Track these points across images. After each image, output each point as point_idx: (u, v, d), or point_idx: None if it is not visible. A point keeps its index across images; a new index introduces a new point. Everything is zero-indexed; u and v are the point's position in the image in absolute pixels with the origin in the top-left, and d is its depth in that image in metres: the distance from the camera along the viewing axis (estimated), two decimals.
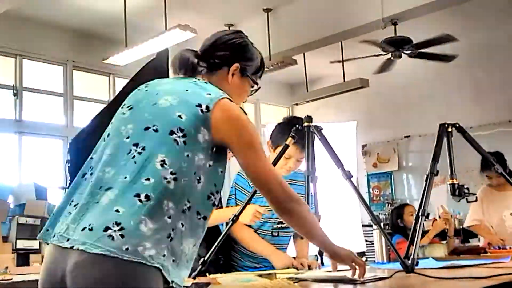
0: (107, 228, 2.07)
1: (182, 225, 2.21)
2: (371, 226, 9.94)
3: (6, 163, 10.01)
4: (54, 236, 2.23)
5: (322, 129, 3.90)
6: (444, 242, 6.01)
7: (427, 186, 3.64)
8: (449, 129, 3.80)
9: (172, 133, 2.28)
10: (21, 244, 7.36)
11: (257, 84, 2.80)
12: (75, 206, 2.26)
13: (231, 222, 3.65)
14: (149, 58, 4.51)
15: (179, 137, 2.27)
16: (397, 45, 9.89)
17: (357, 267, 2.82)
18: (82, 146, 4.35)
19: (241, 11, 10.28)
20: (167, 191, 2.19)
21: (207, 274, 3.33)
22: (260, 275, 3.20)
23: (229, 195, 4.32)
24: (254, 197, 3.78)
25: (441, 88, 12.41)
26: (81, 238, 2.08)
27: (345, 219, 7.34)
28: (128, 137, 2.35)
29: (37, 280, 2.28)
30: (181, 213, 2.21)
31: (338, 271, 3.51)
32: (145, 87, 2.58)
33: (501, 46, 11.63)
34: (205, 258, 3.46)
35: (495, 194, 6.85)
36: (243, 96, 2.78)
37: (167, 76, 4.36)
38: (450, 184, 3.84)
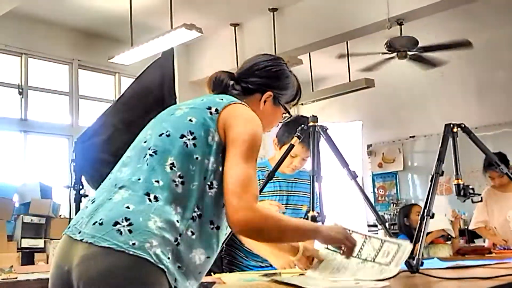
0: (116, 223, 2.10)
1: (192, 233, 2.22)
2: (376, 226, 9.98)
3: (11, 162, 10.03)
4: (69, 227, 2.27)
5: (327, 129, 3.90)
6: (449, 242, 6.01)
7: (432, 186, 3.64)
8: (454, 130, 3.79)
9: (182, 136, 2.31)
10: (26, 243, 7.38)
11: (289, 113, 2.81)
12: (92, 201, 2.31)
13: None
14: (154, 57, 4.49)
15: (189, 139, 2.29)
16: (402, 45, 9.88)
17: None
18: (88, 145, 4.36)
19: (247, 11, 10.29)
20: (175, 194, 2.21)
21: (211, 273, 3.34)
22: (265, 275, 3.20)
23: None
24: (261, 195, 3.78)
25: (446, 89, 12.40)
26: (91, 232, 2.12)
27: (350, 219, 7.34)
28: (145, 142, 2.41)
29: (42, 279, 2.31)
30: (190, 220, 2.22)
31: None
32: (176, 104, 2.63)
33: (506, 46, 11.61)
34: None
35: (498, 195, 6.85)
36: (274, 123, 2.80)
37: (173, 76, 4.37)
38: (455, 184, 3.84)
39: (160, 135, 2.37)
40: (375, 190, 13.87)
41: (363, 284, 2.72)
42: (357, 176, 3.67)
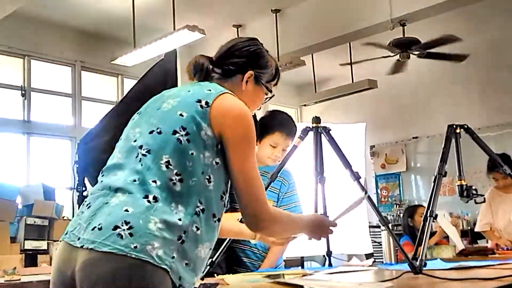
0: (116, 227, 2.08)
1: (197, 228, 2.22)
2: (379, 227, 9.96)
3: (14, 164, 10.03)
4: (66, 233, 2.26)
5: (330, 130, 3.90)
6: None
7: (435, 187, 3.64)
8: (457, 130, 3.79)
9: (175, 132, 2.29)
10: (29, 244, 7.38)
11: (271, 91, 2.83)
12: (87, 206, 2.28)
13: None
14: (157, 59, 4.50)
15: (182, 135, 2.27)
16: (405, 46, 9.88)
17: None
18: (90, 147, 4.36)
19: (250, 12, 10.30)
20: (174, 193, 2.21)
21: (215, 275, 3.33)
22: (268, 276, 3.19)
23: None
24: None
25: (449, 89, 12.41)
26: (90, 238, 2.10)
27: (353, 220, 7.33)
28: (135, 140, 2.37)
29: (45, 281, 2.31)
30: (193, 216, 2.22)
31: (344, 272, 3.53)
32: (159, 94, 2.60)
33: (509, 47, 11.61)
34: (213, 259, 3.46)
35: (502, 196, 6.85)
36: (258, 103, 2.79)
37: (175, 77, 4.37)
38: (458, 185, 3.84)
39: (151, 132, 2.34)
40: (378, 191, 13.88)
41: (366, 285, 2.71)
42: (360, 177, 3.66)
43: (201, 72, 2.64)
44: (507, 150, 6.65)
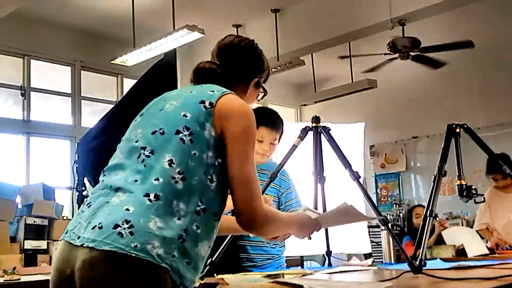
0: (116, 226, 2.09)
1: (197, 227, 2.22)
2: (378, 227, 9.98)
3: (14, 164, 10.03)
4: (67, 232, 2.27)
5: (330, 129, 3.91)
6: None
7: (435, 187, 3.64)
8: (457, 130, 3.80)
9: (178, 132, 2.31)
10: (29, 244, 7.36)
11: (266, 91, 2.86)
12: (88, 205, 2.30)
13: None
14: (157, 59, 4.51)
15: (185, 135, 2.30)
16: (405, 46, 9.89)
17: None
18: (90, 147, 4.36)
19: (249, 12, 10.30)
20: (176, 191, 2.21)
21: (214, 274, 3.34)
22: (268, 276, 3.20)
23: None
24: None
25: (448, 89, 12.40)
26: (91, 236, 2.11)
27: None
28: (137, 141, 2.39)
29: (45, 280, 2.30)
30: (194, 215, 2.23)
31: (344, 272, 3.53)
32: (161, 96, 2.63)
33: (508, 47, 11.60)
34: (213, 259, 3.46)
35: (502, 196, 6.85)
36: (254, 100, 2.84)
37: (175, 77, 4.37)
38: (458, 184, 3.85)
39: (153, 133, 2.36)
40: (378, 190, 13.87)
41: (365, 285, 2.72)
42: (360, 177, 3.67)
43: (205, 78, 2.67)
44: (506, 150, 6.64)
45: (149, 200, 2.17)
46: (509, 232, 6.72)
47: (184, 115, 2.35)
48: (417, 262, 3.16)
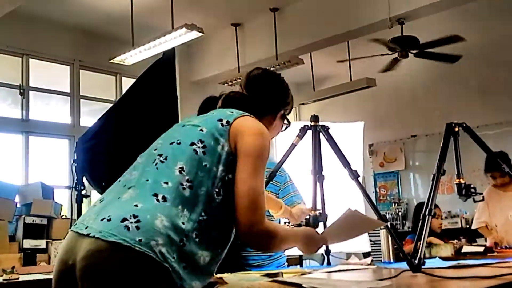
0: (124, 219, 2.16)
1: (196, 235, 2.26)
2: None
3: (12, 163, 10.03)
4: (76, 224, 2.32)
5: (328, 128, 3.91)
6: (455, 241, 6.01)
7: (433, 186, 3.64)
8: (456, 129, 3.80)
9: (192, 144, 2.41)
10: (28, 243, 7.36)
11: (289, 123, 2.98)
12: (101, 201, 2.39)
13: None
14: (156, 58, 4.50)
15: (198, 147, 2.39)
16: (404, 44, 9.89)
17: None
18: (89, 146, 4.36)
19: (248, 11, 10.29)
20: (182, 197, 2.27)
21: (213, 273, 3.34)
22: (267, 275, 3.20)
23: None
24: None
25: (447, 88, 12.41)
26: (98, 227, 2.17)
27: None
28: (155, 149, 2.51)
29: (44, 280, 2.32)
30: (196, 223, 2.27)
31: (343, 270, 3.53)
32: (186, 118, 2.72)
33: (507, 46, 11.60)
34: None
35: (500, 195, 6.86)
36: (278, 132, 2.97)
37: (174, 76, 4.37)
38: (456, 183, 3.85)
39: (171, 143, 2.47)
40: (377, 189, 13.87)
41: (364, 284, 2.72)
42: (359, 176, 3.67)
43: (232, 106, 2.72)
44: (505, 149, 6.63)
45: (157, 200, 2.24)
46: (507, 230, 6.73)
47: (201, 130, 2.46)
48: (416, 261, 3.16)
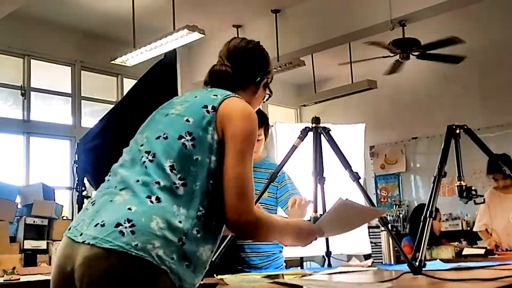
0: (118, 224, 2.11)
1: (198, 231, 2.23)
2: (378, 227, 9.98)
3: (13, 164, 10.03)
4: (70, 229, 2.29)
5: (330, 130, 3.91)
6: (455, 243, 6.01)
7: (434, 188, 3.64)
8: (457, 131, 3.79)
9: (180, 137, 2.33)
10: (29, 244, 7.37)
11: (271, 92, 2.91)
12: (92, 203, 2.33)
13: None
14: (157, 59, 4.50)
15: (187, 140, 2.31)
16: (405, 46, 9.89)
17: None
18: (90, 147, 4.36)
19: (249, 12, 10.30)
20: (177, 196, 2.23)
21: (214, 274, 3.34)
22: (267, 276, 3.20)
23: None
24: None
25: (448, 90, 12.41)
26: (93, 233, 2.13)
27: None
28: (142, 145, 2.42)
29: (44, 280, 2.31)
30: (194, 220, 2.23)
31: (344, 272, 3.52)
32: (169, 101, 2.64)
33: (509, 48, 11.61)
34: (213, 259, 3.46)
35: (501, 197, 6.86)
36: (260, 102, 2.88)
37: (175, 77, 4.37)
38: (457, 185, 3.84)
39: (157, 138, 2.38)
40: (378, 191, 13.87)
41: (365, 286, 2.72)
42: (360, 178, 3.67)
43: (220, 81, 2.69)
44: (506, 151, 6.65)
45: (151, 201, 2.19)
46: (509, 233, 6.73)
47: (187, 120, 2.36)
48: (417, 263, 3.16)
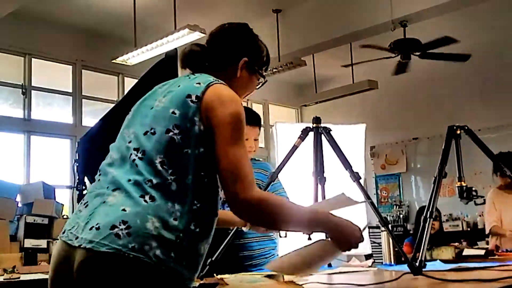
0: (113, 227, 2.09)
1: (195, 226, 2.22)
2: (378, 227, 9.98)
3: (14, 162, 10.03)
4: (64, 232, 2.28)
5: (330, 130, 3.91)
6: (455, 244, 6.00)
7: (435, 188, 3.64)
8: (458, 132, 3.79)
9: (168, 131, 2.27)
10: (29, 243, 7.36)
11: (264, 77, 2.75)
12: (85, 204, 2.29)
13: None
14: (158, 58, 4.50)
15: (175, 134, 2.26)
16: (406, 47, 9.89)
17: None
18: (90, 146, 4.35)
19: (251, 12, 10.29)
20: (169, 192, 2.20)
21: (214, 274, 3.33)
22: (268, 276, 3.19)
23: None
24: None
25: (449, 91, 12.41)
26: (88, 237, 2.11)
27: (352, 220, 7.33)
28: (130, 141, 2.38)
29: (44, 279, 2.29)
30: (190, 214, 2.21)
31: (344, 273, 3.53)
32: (152, 90, 2.58)
33: (510, 48, 11.61)
34: (213, 259, 3.46)
35: (505, 196, 6.86)
36: (250, 89, 2.74)
37: (176, 77, 4.37)
38: (458, 186, 3.84)
39: (145, 133, 2.33)
40: (378, 191, 13.87)
41: (365, 286, 2.72)
42: (360, 178, 3.67)
43: (193, 62, 2.63)
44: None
45: (145, 201, 2.16)
46: None
47: (173, 113, 2.30)
48: (417, 264, 3.16)
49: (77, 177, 4.40)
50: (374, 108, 13.28)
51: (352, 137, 6.56)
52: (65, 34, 10.63)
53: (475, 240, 9.27)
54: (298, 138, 3.96)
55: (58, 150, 10.78)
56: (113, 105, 5.41)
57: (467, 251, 5.15)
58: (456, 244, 6.10)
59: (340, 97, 11.86)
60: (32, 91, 10.35)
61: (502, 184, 6.89)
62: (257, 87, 2.78)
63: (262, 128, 4.77)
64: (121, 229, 2.08)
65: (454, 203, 10.08)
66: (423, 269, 3.15)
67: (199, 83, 2.37)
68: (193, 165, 2.25)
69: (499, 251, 5.64)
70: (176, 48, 4.84)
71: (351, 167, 3.69)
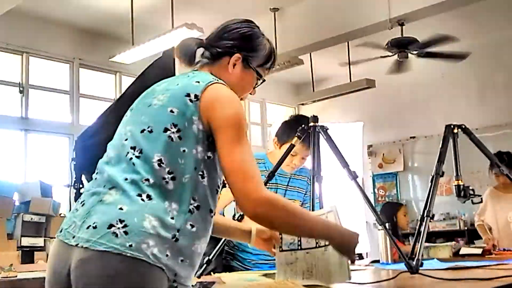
0: (110, 226, 2.09)
1: (192, 226, 2.21)
2: (376, 226, 9.98)
3: (11, 161, 10.02)
4: (61, 231, 2.27)
5: (328, 129, 3.91)
6: (452, 243, 6.01)
7: (432, 187, 3.64)
8: (455, 130, 3.80)
9: (166, 130, 2.26)
10: (26, 241, 7.38)
11: (261, 76, 2.69)
12: (82, 203, 2.28)
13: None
14: (155, 57, 4.48)
15: (173, 133, 2.25)
16: (403, 46, 9.88)
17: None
18: (88, 144, 4.34)
19: (248, 11, 10.27)
20: (166, 191, 2.19)
21: (211, 273, 3.34)
22: (265, 275, 3.20)
23: None
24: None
25: (447, 89, 12.40)
26: (85, 236, 2.10)
27: (350, 219, 7.35)
28: (126, 139, 2.36)
29: (41, 278, 2.29)
30: (187, 214, 2.21)
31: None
32: (150, 89, 2.56)
33: (507, 47, 11.61)
34: (210, 257, 3.46)
35: (501, 196, 6.87)
36: (247, 88, 2.69)
37: (174, 75, 4.37)
38: (455, 185, 3.85)
39: (142, 131, 2.31)
40: (375, 190, 13.86)
41: (363, 285, 2.72)
42: (357, 177, 3.67)
43: (186, 54, 2.64)
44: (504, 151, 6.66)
45: (142, 199, 2.16)
46: (507, 232, 6.73)
47: (171, 111, 2.29)
48: (414, 262, 3.16)
49: (74, 176, 4.40)
50: (371, 107, 13.27)
51: (349, 135, 6.58)
52: (63, 32, 10.62)
53: (472, 239, 9.30)
54: (296, 136, 3.96)
55: (55, 149, 10.76)
56: (111, 103, 5.40)
57: (464, 250, 5.16)
58: (453, 243, 6.11)
59: (338, 96, 11.82)
60: (30, 89, 10.33)
61: (499, 184, 6.91)
62: (255, 86, 2.72)
63: (259, 127, 4.76)
64: (118, 228, 2.07)
65: (452, 202, 10.10)
66: (420, 268, 3.15)
67: (198, 82, 2.35)
68: (190, 164, 2.24)
69: (496, 250, 5.65)
70: (173, 47, 4.83)
71: (348, 165, 3.69)
